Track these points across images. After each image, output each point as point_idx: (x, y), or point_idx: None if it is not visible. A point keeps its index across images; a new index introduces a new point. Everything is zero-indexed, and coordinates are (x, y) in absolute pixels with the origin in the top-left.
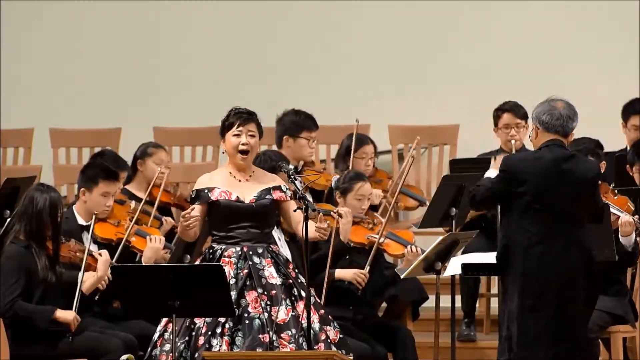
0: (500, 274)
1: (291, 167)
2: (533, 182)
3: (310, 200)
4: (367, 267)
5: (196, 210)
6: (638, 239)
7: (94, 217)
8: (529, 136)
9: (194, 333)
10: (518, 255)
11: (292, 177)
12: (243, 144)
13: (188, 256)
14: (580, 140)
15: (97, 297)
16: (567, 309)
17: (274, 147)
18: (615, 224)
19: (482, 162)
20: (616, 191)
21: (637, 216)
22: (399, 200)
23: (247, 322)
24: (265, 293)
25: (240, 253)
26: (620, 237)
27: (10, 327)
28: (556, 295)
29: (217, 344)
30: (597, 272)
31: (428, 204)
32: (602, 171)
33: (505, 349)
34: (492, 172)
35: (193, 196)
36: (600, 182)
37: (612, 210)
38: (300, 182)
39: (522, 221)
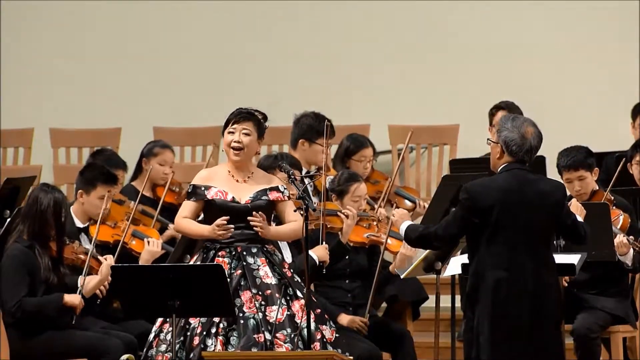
0: (472, 304)
1: (290, 168)
2: (498, 209)
3: (312, 200)
4: (378, 268)
5: (222, 218)
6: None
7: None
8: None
9: (188, 333)
10: (488, 283)
11: (292, 177)
12: (235, 142)
13: (188, 256)
14: (570, 151)
15: (98, 301)
16: (540, 334)
17: (274, 147)
18: None
19: (482, 162)
20: (614, 200)
21: (632, 237)
22: (394, 202)
23: (242, 322)
24: (260, 293)
25: (234, 253)
26: (617, 255)
27: (18, 323)
28: (529, 320)
29: (211, 344)
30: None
31: (420, 203)
32: (596, 178)
33: None
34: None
35: (190, 191)
36: (599, 190)
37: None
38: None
39: (490, 249)
